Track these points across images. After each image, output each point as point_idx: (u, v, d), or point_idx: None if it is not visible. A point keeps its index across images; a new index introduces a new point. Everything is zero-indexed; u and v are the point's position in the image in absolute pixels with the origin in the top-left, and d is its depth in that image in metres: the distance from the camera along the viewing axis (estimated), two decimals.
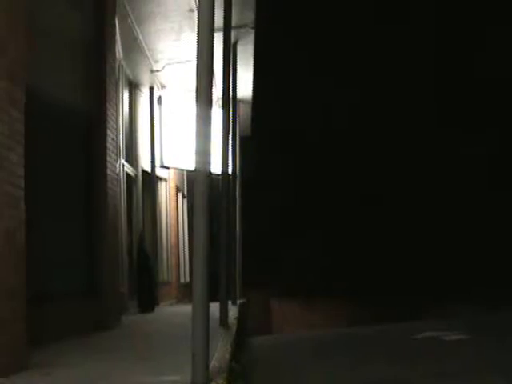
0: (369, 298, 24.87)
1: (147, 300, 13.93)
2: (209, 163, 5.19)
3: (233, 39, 11.72)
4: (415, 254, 26.09)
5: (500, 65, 26.19)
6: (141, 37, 12.99)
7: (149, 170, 16.04)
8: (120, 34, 11.98)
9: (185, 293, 18.45)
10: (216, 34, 5.44)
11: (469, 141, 26.30)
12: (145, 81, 15.52)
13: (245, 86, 16.00)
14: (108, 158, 9.85)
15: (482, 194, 26.23)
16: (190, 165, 6.68)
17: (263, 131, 25.07)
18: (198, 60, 5.16)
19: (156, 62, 14.48)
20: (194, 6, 11.42)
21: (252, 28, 13.37)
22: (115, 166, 10.64)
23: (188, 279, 19.62)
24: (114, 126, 10.45)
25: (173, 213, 18.71)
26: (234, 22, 10.40)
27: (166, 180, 17.87)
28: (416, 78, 27.36)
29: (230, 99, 10.89)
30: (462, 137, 26.37)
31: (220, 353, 6.58)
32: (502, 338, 11.12)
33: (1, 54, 5.89)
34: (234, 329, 9.21)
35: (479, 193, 26.32)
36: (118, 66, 12.37)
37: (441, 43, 27.59)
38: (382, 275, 25.72)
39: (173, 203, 18.69)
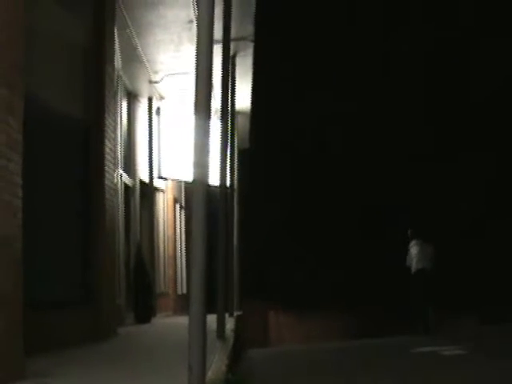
0: (368, 311, 24.77)
1: (144, 311, 13.90)
2: (207, 175, 5.18)
3: (232, 51, 11.73)
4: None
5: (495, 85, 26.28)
6: (140, 47, 13.00)
7: (147, 180, 16.04)
8: (119, 44, 12.00)
9: (182, 304, 18.41)
10: (215, 46, 5.44)
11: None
12: (143, 91, 15.53)
13: (243, 98, 16.01)
14: (106, 168, 9.85)
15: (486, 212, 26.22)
16: (188, 176, 6.68)
17: (262, 143, 25.05)
18: (196, 72, 5.16)
19: (155, 72, 14.50)
20: (193, 17, 11.45)
21: (251, 41, 13.40)
22: (113, 176, 10.64)
23: (185, 291, 19.57)
24: (112, 136, 10.45)
25: (170, 224, 18.69)
26: (233, 35, 10.39)
27: (163, 191, 17.86)
28: (414, 93, 27.41)
29: (228, 111, 10.89)
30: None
31: (217, 365, 6.56)
32: (500, 354, 11.05)
33: None
34: (230, 341, 9.19)
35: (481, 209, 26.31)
36: (117, 76, 12.38)
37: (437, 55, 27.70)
38: (381, 288, 25.62)
39: (170, 214, 18.66)
